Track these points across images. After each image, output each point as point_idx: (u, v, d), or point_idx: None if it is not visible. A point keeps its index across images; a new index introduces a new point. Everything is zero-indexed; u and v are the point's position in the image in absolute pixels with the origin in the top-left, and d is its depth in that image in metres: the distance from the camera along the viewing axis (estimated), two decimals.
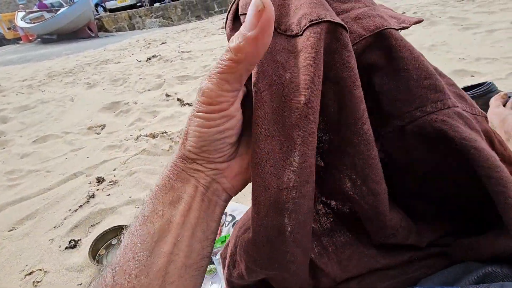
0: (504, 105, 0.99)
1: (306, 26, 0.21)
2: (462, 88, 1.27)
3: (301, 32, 0.21)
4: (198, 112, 0.21)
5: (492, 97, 1.03)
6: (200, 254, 0.23)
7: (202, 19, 9.39)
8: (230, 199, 0.25)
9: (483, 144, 0.21)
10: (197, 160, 0.23)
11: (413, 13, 3.13)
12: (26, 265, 0.81)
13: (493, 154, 0.20)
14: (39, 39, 8.52)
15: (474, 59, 1.64)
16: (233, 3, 0.27)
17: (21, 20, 8.26)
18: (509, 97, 1.01)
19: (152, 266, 0.21)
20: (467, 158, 0.20)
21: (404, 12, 3.24)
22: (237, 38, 0.18)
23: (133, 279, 0.20)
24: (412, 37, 2.32)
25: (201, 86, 0.21)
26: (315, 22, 0.21)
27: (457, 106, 0.22)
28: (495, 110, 0.98)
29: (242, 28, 0.18)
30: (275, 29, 0.22)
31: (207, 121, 0.21)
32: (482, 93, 1.07)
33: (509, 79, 1.33)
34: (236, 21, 0.26)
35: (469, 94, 1.10)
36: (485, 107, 1.05)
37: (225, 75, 0.20)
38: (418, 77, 0.22)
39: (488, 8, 2.64)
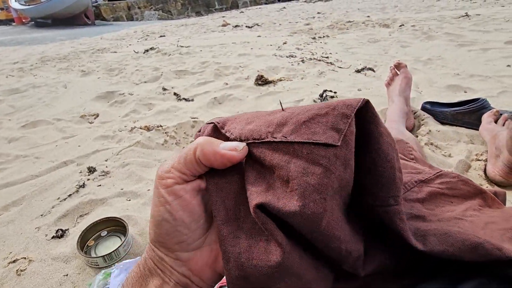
0: (496, 122, 1.02)
1: (248, 142, 0.23)
2: (457, 103, 1.30)
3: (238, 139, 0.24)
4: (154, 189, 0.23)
5: (484, 113, 1.07)
6: None
7: (202, 15, 9.33)
8: None
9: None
10: (159, 248, 0.23)
11: (412, 26, 3.19)
12: (10, 253, 0.78)
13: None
14: (33, 22, 8.29)
15: (468, 75, 1.68)
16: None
17: (15, 1, 8.01)
18: (501, 114, 1.05)
19: None
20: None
21: (402, 25, 3.31)
22: (210, 145, 0.22)
23: None
24: (410, 49, 2.36)
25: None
26: (251, 141, 0.22)
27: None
28: (487, 126, 1.01)
29: (223, 145, 0.22)
30: (219, 130, 0.25)
31: (158, 198, 0.22)
32: (476, 109, 1.10)
33: (501, 97, 1.37)
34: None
35: (463, 109, 1.13)
36: (478, 122, 1.08)
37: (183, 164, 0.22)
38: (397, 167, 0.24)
39: (483, 27, 2.72)
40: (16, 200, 0.98)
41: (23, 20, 8.77)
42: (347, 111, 0.21)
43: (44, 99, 1.97)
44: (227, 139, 0.24)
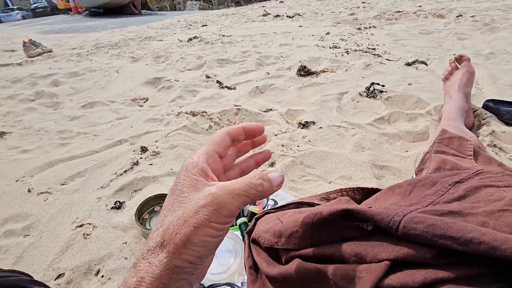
0: None
1: (265, 245, 0.41)
2: None
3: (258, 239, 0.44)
4: (211, 222, 0.22)
5: None
6: None
7: (241, 5, 9.32)
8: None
9: None
10: (186, 268, 0.22)
11: (471, 16, 2.91)
12: (77, 218, 0.87)
13: None
14: (87, 12, 8.91)
15: None
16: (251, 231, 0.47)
17: None
18: None
19: None
20: None
21: (460, 15, 3.02)
22: (269, 182, 0.25)
23: None
24: (468, 42, 2.16)
25: (212, 197, 0.22)
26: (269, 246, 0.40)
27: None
28: None
29: (273, 181, 0.25)
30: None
31: (218, 231, 0.22)
32: None
33: None
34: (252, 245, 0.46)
35: None
36: None
37: (247, 193, 0.23)
38: None
39: None
40: (80, 172, 1.09)
41: (79, 10, 9.48)
42: (306, 229, 0.35)
43: (99, 82, 2.13)
44: (259, 245, 0.43)
